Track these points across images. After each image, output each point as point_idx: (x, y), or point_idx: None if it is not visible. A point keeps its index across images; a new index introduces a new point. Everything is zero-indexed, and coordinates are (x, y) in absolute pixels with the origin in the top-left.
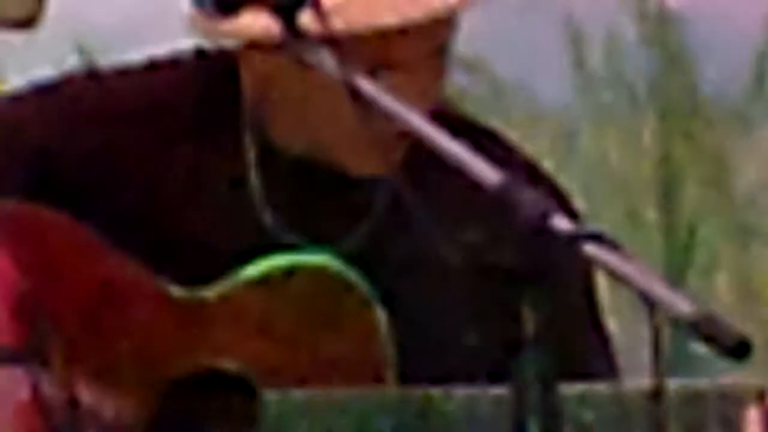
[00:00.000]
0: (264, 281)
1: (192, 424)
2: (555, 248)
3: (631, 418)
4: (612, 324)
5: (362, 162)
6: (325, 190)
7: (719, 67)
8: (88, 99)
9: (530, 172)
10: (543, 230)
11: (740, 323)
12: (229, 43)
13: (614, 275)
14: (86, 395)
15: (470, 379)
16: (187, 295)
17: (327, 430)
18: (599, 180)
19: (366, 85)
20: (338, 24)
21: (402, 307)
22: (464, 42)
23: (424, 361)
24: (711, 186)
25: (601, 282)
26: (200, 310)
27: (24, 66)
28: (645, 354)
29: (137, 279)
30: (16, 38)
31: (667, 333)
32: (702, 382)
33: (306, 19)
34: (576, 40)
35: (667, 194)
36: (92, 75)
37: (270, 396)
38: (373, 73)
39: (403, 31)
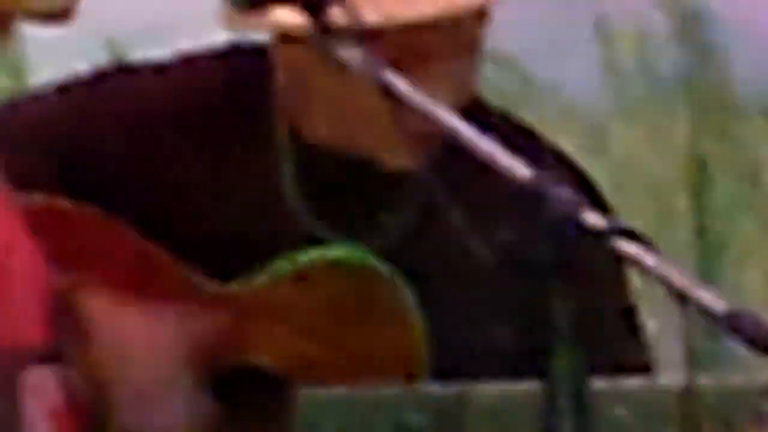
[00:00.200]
0: (297, 275)
1: (225, 419)
2: (586, 243)
3: (665, 414)
4: (646, 320)
5: (395, 156)
6: (357, 184)
7: (752, 63)
8: (120, 95)
9: (562, 168)
10: (574, 225)
11: None
12: (261, 38)
13: (644, 271)
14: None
15: (502, 375)
16: (219, 289)
17: (361, 426)
18: (629, 177)
19: (395, 81)
20: (374, 17)
21: (434, 303)
22: (495, 37)
23: (456, 357)
24: (744, 181)
25: (635, 278)
26: (232, 305)
27: (55, 61)
28: (679, 350)
29: (168, 272)
30: (46, 32)
31: (701, 329)
32: (737, 379)
33: (337, 12)
34: (607, 36)
35: (699, 190)
36: (123, 71)
37: (303, 391)
38: (404, 67)
39: (436, 25)
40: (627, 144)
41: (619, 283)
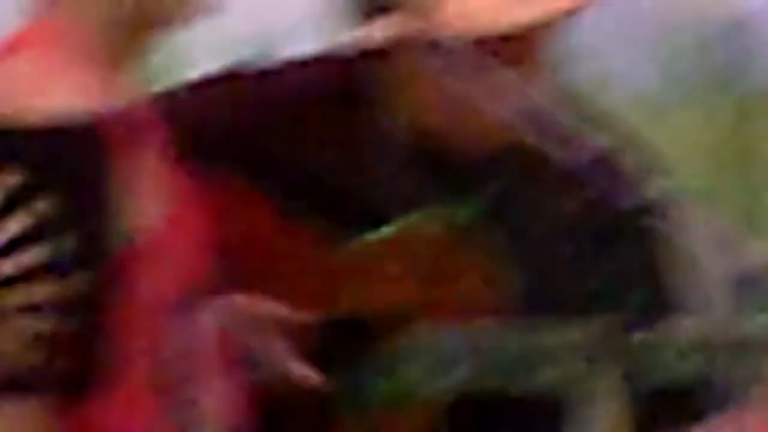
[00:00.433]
0: (401, 234)
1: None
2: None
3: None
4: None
5: (477, 147)
6: (447, 171)
7: None
8: (264, 86)
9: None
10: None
11: None
12: (371, 44)
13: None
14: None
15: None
16: (337, 248)
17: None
18: (685, 159)
19: (479, 83)
20: (467, 25)
21: (520, 259)
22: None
23: (539, 306)
24: None
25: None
26: (345, 261)
27: (205, 56)
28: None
29: (298, 233)
30: (191, 31)
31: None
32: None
33: (436, 22)
34: (666, 29)
35: (748, 174)
36: (264, 68)
37: (402, 334)
38: (486, 69)
39: (523, 32)
40: (682, 127)
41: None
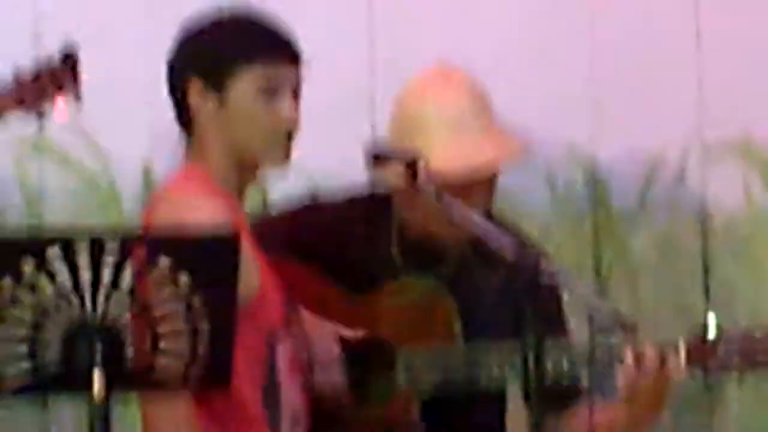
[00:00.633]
0: (397, 290)
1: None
2: (543, 281)
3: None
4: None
5: (450, 245)
6: (430, 257)
7: None
8: (313, 216)
9: (523, 239)
10: (535, 272)
11: None
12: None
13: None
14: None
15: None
16: (357, 298)
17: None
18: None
19: (457, 206)
20: (457, 166)
21: (465, 313)
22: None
23: (478, 335)
24: None
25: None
26: (365, 306)
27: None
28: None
29: (334, 292)
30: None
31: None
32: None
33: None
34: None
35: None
36: (313, 204)
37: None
38: (455, 195)
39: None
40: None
41: (559, 301)
